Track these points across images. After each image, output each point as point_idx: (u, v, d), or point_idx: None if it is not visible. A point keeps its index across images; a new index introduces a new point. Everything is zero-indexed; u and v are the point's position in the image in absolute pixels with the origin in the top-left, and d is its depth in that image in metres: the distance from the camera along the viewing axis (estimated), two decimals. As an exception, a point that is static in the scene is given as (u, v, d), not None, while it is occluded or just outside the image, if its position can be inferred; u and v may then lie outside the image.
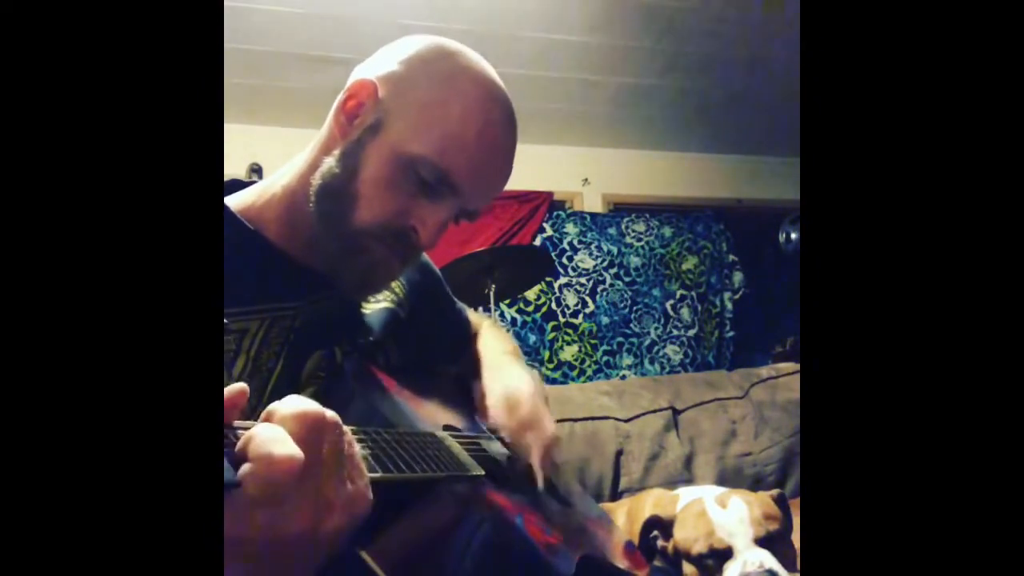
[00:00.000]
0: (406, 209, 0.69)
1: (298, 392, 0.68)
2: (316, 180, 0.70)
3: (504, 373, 0.87)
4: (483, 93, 0.71)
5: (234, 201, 0.76)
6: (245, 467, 0.39)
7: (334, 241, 0.70)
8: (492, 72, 0.73)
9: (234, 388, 0.41)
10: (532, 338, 3.72)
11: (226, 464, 0.38)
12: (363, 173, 0.68)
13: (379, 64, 0.72)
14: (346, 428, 0.47)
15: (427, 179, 0.68)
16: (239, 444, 0.41)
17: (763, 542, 1.05)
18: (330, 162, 0.70)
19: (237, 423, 0.42)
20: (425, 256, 0.97)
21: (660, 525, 1.16)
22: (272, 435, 0.41)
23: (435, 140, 0.68)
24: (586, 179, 4.16)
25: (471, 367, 0.97)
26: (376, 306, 0.83)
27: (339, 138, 0.71)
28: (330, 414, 0.45)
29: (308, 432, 0.42)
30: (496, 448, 0.78)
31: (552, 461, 0.81)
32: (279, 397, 0.45)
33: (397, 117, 0.69)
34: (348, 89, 0.71)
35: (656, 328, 3.95)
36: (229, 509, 0.38)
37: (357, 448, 0.47)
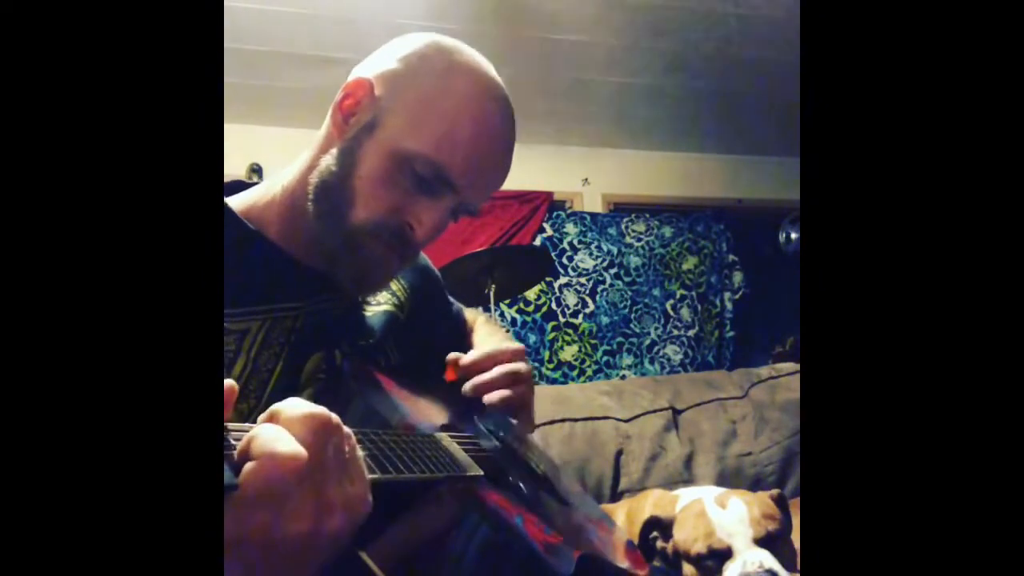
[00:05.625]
0: (403, 206, 0.69)
1: (298, 393, 0.69)
2: (314, 178, 0.71)
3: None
4: (479, 89, 0.70)
5: (236, 202, 0.76)
6: (248, 465, 0.39)
7: (332, 239, 0.70)
8: (489, 68, 0.73)
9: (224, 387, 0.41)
10: (532, 338, 3.72)
11: (224, 466, 0.38)
12: (360, 170, 0.68)
13: (376, 62, 0.72)
14: (348, 430, 0.47)
15: (423, 175, 0.68)
16: (241, 444, 0.41)
17: (763, 542, 1.05)
18: (328, 160, 0.70)
19: (232, 425, 0.42)
20: (426, 259, 0.97)
21: (660, 526, 1.16)
22: (275, 434, 0.41)
23: (431, 136, 0.67)
24: (586, 179, 4.16)
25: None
26: (377, 308, 0.83)
27: (336, 137, 0.71)
28: (335, 417, 0.45)
29: (313, 434, 0.42)
30: (495, 448, 0.78)
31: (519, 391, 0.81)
32: (279, 398, 0.45)
33: (393, 114, 0.69)
34: (345, 88, 0.71)
35: (656, 328, 3.94)
36: (229, 509, 0.38)
37: (359, 451, 0.47)
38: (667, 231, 4.10)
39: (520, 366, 0.80)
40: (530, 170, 3.82)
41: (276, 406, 0.44)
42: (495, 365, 0.79)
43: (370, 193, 0.68)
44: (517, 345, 0.82)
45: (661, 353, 3.91)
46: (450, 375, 0.78)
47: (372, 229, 0.69)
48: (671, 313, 3.98)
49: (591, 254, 3.95)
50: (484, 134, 0.70)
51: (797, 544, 1.09)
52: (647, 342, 3.91)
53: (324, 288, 0.74)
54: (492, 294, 2.55)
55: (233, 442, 0.41)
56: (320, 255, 0.71)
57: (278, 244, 0.74)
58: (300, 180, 0.73)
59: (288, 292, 0.72)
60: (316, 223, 0.70)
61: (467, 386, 0.77)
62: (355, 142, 0.69)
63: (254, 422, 0.44)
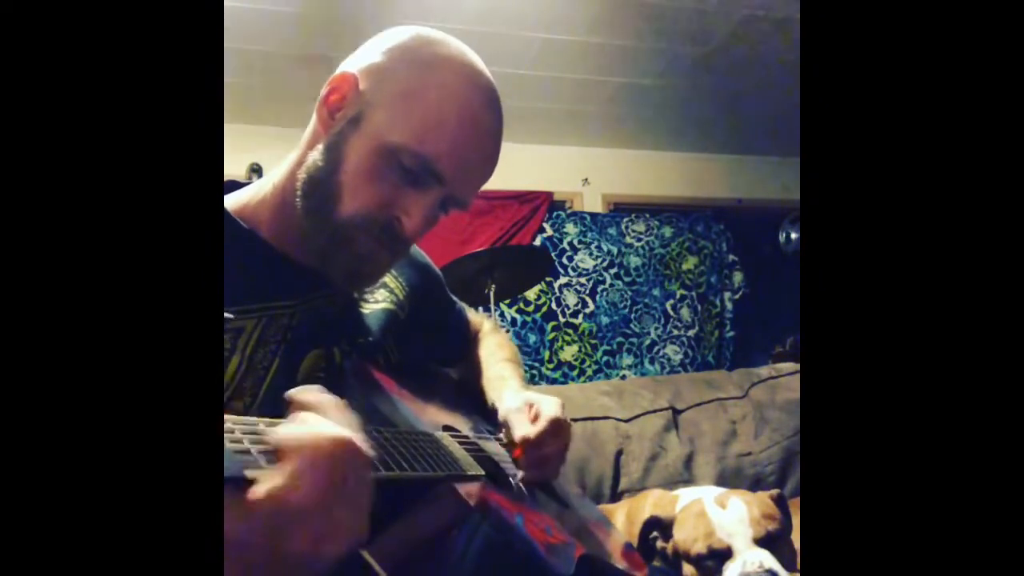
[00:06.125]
0: (390, 199, 0.69)
1: None
2: (301, 175, 0.71)
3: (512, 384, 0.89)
4: (463, 79, 0.70)
5: (230, 201, 0.76)
6: (271, 483, 0.40)
7: (321, 234, 0.70)
8: (474, 58, 0.73)
9: None
10: (532, 338, 3.72)
11: (232, 458, 0.38)
12: (346, 165, 0.68)
13: (361, 57, 0.72)
14: (368, 454, 0.46)
15: (410, 168, 0.68)
16: (275, 443, 0.41)
17: (763, 542, 1.05)
18: (314, 156, 0.70)
19: (238, 419, 0.42)
20: (426, 257, 0.97)
21: (660, 526, 1.16)
22: (311, 460, 0.41)
23: (415, 128, 0.67)
24: (586, 179, 4.16)
25: (472, 371, 0.97)
26: (375, 306, 0.83)
27: (322, 133, 0.71)
28: (363, 450, 0.45)
29: (336, 465, 0.43)
30: (494, 448, 0.78)
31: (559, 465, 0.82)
32: (276, 395, 0.45)
33: (378, 108, 0.69)
34: (330, 83, 0.71)
35: (656, 328, 3.94)
36: (239, 512, 0.38)
37: (370, 474, 0.47)
38: (667, 231, 4.10)
39: (568, 436, 0.82)
40: (530, 170, 3.83)
41: (313, 422, 0.44)
42: (551, 436, 0.79)
43: (357, 187, 0.68)
44: (558, 403, 0.82)
45: (661, 353, 3.92)
46: (518, 453, 0.79)
47: (360, 223, 0.69)
48: (671, 313, 3.98)
49: (591, 254, 3.95)
50: (470, 124, 0.69)
51: (797, 544, 1.09)
52: (647, 342, 3.92)
53: (319, 285, 0.74)
54: (492, 294, 2.55)
55: (240, 435, 0.41)
56: (312, 252, 0.71)
57: (270, 242, 0.74)
58: (289, 177, 0.73)
59: (282, 290, 0.72)
60: (305, 220, 0.70)
61: (528, 476, 0.78)
62: (341, 137, 0.69)
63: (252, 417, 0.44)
